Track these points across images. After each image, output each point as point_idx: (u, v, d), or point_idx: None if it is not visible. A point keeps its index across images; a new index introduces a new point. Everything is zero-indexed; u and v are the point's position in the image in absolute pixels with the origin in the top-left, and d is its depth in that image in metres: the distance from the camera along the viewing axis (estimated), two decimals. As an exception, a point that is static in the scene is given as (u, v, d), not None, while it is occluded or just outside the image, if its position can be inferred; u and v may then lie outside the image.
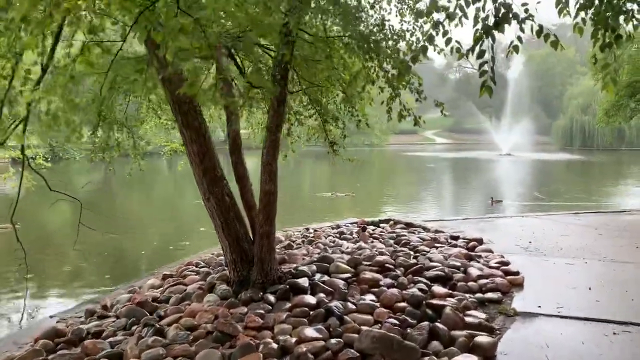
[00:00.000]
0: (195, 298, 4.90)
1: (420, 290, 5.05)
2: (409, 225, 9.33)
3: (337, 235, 8.09)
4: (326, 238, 7.78)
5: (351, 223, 9.52)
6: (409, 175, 30.68)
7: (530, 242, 8.15)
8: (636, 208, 12.85)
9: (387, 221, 9.72)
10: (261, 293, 4.77)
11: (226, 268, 5.29)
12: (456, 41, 3.66)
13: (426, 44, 3.71)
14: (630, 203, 16.56)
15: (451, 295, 5.03)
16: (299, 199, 19.71)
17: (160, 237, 12.46)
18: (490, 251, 7.19)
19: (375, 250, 6.57)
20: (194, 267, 6.18)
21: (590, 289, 5.59)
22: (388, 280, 5.25)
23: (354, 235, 8.00)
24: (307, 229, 8.78)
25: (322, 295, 4.77)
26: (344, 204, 17.17)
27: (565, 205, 15.07)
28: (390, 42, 5.31)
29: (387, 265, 5.68)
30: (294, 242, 7.50)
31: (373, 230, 8.60)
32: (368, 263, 5.74)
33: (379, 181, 26.37)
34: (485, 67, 3.47)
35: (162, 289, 5.49)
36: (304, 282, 4.97)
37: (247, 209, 5.29)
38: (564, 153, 46.67)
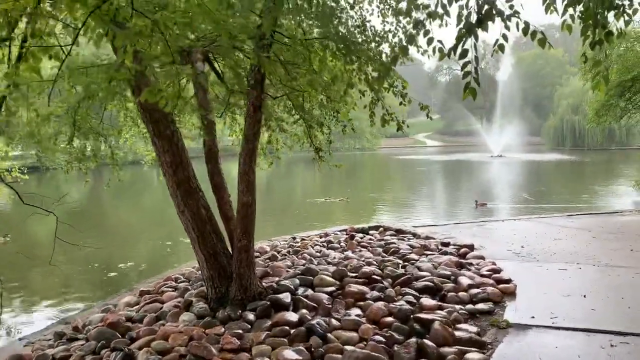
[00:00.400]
0: (171, 317, 4.63)
1: (409, 302, 4.82)
2: (398, 231, 9.11)
3: (325, 244, 7.84)
4: (313, 248, 7.53)
5: (340, 231, 9.29)
6: (401, 179, 30.52)
7: (522, 247, 7.96)
8: (628, 209, 12.73)
9: (376, 228, 9.50)
10: (240, 311, 4.50)
11: (205, 284, 5.02)
12: (438, 41, 3.45)
13: (407, 44, 3.51)
14: (622, 203, 16.47)
15: (440, 308, 4.80)
16: (291, 205, 19.45)
17: (146, 248, 12.17)
18: (482, 258, 6.98)
19: (363, 260, 6.33)
20: (173, 283, 5.90)
21: (585, 296, 5.38)
22: (375, 293, 5.01)
23: (341, 244, 7.76)
24: (294, 238, 8.52)
25: (304, 311, 4.51)
26: (337, 209, 16.93)
27: (556, 207, 14.94)
28: (372, 44, 5.10)
29: (374, 276, 5.44)
30: (279, 252, 7.24)
31: (362, 238, 8.36)
32: (354, 274, 5.49)
33: (371, 186, 26.16)
34: (469, 68, 3.26)
35: (138, 306, 5.21)
36: (285, 297, 4.71)
37: (225, 221, 5.02)
38: (555, 153, 46.75)
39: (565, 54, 70.31)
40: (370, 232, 9.15)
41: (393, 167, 40.82)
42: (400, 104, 4.63)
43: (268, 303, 4.56)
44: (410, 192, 22.41)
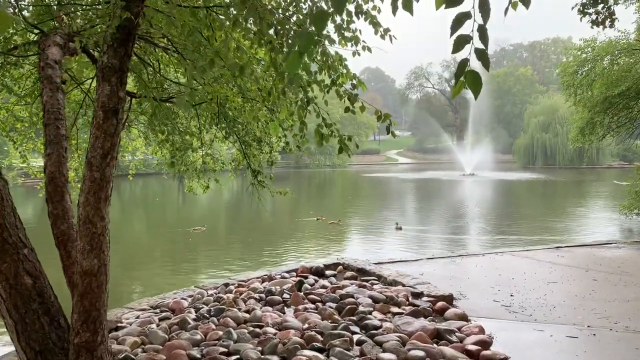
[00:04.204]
0: None
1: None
2: (360, 272, 7.38)
3: (263, 295, 6.01)
4: (245, 302, 5.70)
5: (288, 272, 7.49)
6: (369, 199, 28.98)
7: (512, 296, 6.36)
8: (622, 240, 11.34)
9: (334, 266, 7.77)
10: None
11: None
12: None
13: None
14: (606, 230, 15.20)
15: None
16: (279, 224, 17.75)
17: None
18: (465, 318, 5.32)
19: (304, 329, 4.55)
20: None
21: (615, 392, 3.74)
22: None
23: (284, 297, 5.95)
24: (227, 285, 6.67)
25: None
26: (315, 230, 15.17)
27: (524, 239, 13.51)
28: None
29: (311, 369, 3.65)
30: (197, 310, 5.39)
31: (312, 285, 6.58)
32: (283, 365, 3.70)
33: (341, 207, 24.39)
34: (464, 29, 1.57)
35: None
36: None
37: (74, 294, 3.17)
38: (526, 172, 46.16)
39: (535, 73, 70.93)
40: (327, 272, 7.40)
41: (361, 186, 39.22)
42: (347, 110, 2.93)
43: None
44: (375, 215, 20.78)
